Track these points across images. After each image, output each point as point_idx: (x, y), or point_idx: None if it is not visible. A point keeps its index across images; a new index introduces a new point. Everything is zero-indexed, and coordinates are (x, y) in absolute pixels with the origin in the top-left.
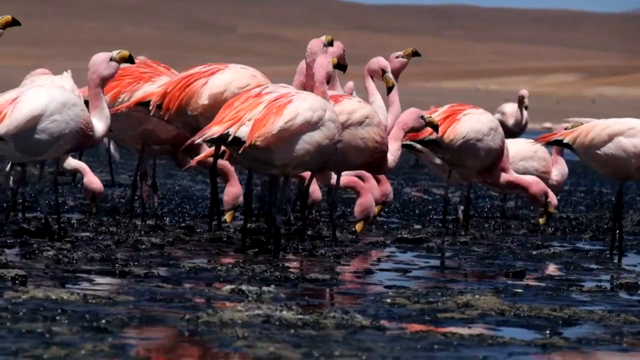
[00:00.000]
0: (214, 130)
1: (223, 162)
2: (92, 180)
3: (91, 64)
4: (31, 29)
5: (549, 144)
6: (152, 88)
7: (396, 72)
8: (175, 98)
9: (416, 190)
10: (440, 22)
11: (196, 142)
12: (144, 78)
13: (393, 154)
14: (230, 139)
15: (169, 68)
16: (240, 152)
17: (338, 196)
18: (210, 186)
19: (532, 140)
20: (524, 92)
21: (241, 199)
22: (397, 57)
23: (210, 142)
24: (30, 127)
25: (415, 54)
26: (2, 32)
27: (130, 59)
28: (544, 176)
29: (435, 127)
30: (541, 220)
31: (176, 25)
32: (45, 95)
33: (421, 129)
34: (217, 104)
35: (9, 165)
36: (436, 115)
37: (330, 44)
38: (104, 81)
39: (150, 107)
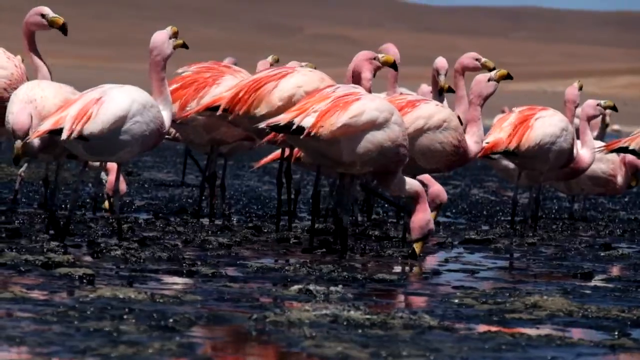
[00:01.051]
0: (280, 117)
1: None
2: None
3: (153, 45)
4: (100, 31)
5: (614, 151)
6: (219, 91)
7: (487, 97)
8: (244, 101)
9: (483, 191)
10: (507, 23)
11: (260, 127)
12: (207, 82)
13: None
14: (294, 127)
15: (229, 66)
16: (303, 141)
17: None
18: (277, 187)
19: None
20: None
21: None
22: (489, 80)
23: (273, 129)
24: (115, 128)
25: (509, 76)
26: (48, 28)
27: (184, 45)
28: (610, 179)
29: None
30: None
31: (243, 26)
32: (127, 97)
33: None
34: (286, 108)
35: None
36: (507, 123)
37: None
38: (165, 63)
39: (219, 112)
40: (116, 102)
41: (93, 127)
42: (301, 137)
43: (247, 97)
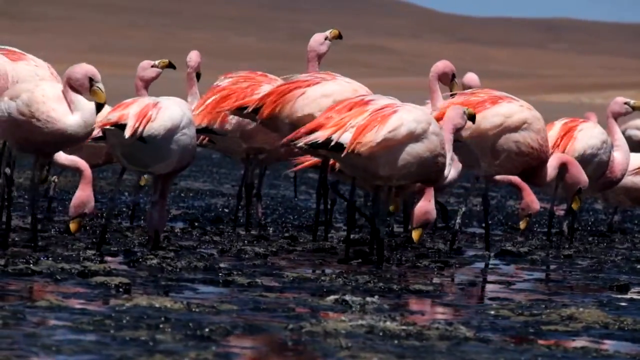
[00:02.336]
0: (318, 135)
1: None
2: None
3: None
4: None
5: None
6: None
7: (616, 115)
8: (271, 104)
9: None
10: (546, 35)
11: (299, 146)
12: (246, 93)
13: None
14: (332, 144)
15: (266, 75)
16: (342, 157)
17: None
18: (316, 197)
19: None
20: None
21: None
22: (625, 103)
23: (312, 147)
24: (169, 135)
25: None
26: (160, 71)
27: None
28: None
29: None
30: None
31: (281, 36)
32: (179, 108)
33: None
34: (310, 116)
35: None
36: (551, 133)
37: (336, 37)
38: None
39: (246, 112)
40: (172, 110)
41: (153, 129)
42: (342, 155)
43: (275, 100)
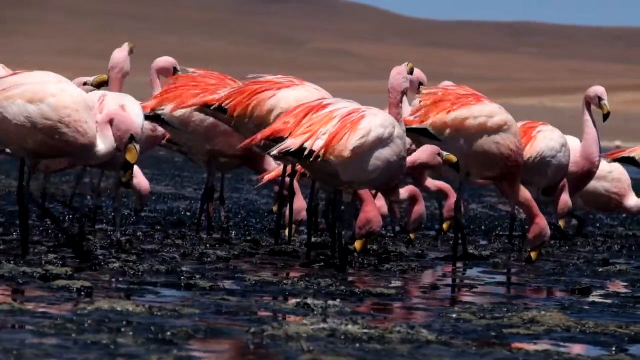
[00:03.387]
0: (289, 143)
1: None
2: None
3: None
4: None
5: (616, 161)
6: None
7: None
8: (240, 103)
9: (482, 206)
10: (513, 38)
11: (272, 154)
12: (209, 90)
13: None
14: (306, 152)
15: (236, 80)
16: (311, 164)
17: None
18: (278, 202)
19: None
20: None
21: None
22: None
23: (285, 154)
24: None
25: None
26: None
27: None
28: (615, 198)
29: (455, 166)
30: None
31: (249, 40)
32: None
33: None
34: (277, 118)
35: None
36: None
37: (411, 72)
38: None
39: (213, 108)
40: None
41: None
42: (312, 161)
43: (244, 99)
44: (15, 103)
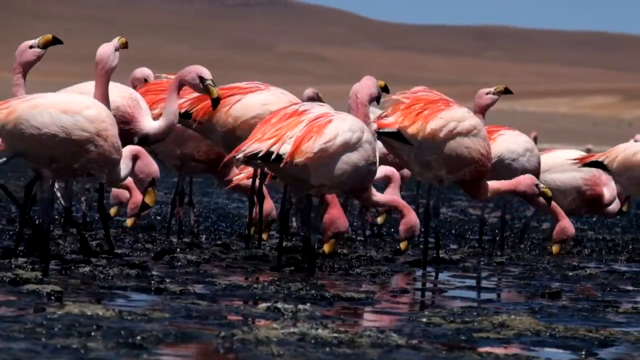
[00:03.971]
0: (255, 147)
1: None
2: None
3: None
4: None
5: (586, 165)
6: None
7: (484, 109)
8: (206, 108)
9: (452, 210)
10: (480, 42)
11: (237, 158)
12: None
13: None
14: (273, 157)
15: None
16: (279, 168)
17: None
18: (248, 205)
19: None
20: None
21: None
22: (487, 94)
23: (251, 159)
24: None
25: (507, 91)
26: (43, 51)
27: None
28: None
29: (548, 199)
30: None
31: (215, 44)
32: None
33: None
34: (245, 124)
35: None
36: None
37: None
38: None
39: (181, 111)
40: None
41: None
42: (280, 166)
43: (209, 104)
44: (47, 112)
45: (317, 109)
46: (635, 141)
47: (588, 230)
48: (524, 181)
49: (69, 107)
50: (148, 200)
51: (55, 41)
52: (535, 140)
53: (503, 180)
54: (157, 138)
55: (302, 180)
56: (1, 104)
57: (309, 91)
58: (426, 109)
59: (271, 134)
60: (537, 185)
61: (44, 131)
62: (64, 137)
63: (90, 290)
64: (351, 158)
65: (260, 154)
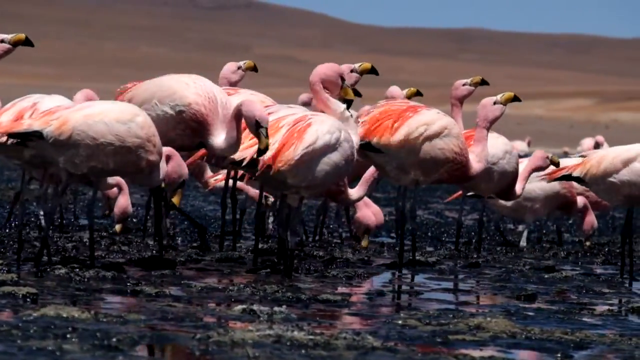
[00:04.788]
0: (239, 154)
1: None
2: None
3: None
4: (47, 49)
5: (557, 179)
6: None
7: (461, 99)
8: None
9: (428, 212)
10: (456, 45)
11: (224, 164)
12: None
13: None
14: (258, 164)
15: None
16: (259, 174)
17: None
18: (221, 208)
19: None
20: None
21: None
22: (463, 85)
23: (235, 165)
24: None
25: (484, 82)
26: (11, 48)
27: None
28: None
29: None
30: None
31: (192, 46)
32: None
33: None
34: None
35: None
36: None
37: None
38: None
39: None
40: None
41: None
42: (258, 173)
43: None
44: (103, 122)
45: (284, 110)
46: (598, 142)
47: (564, 232)
48: (537, 160)
49: (121, 116)
50: (176, 200)
51: (27, 42)
52: (528, 144)
53: (520, 171)
54: (222, 153)
55: (281, 181)
56: (46, 113)
57: (303, 96)
58: (396, 121)
59: (253, 142)
60: (547, 157)
61: (101, 141)
62: (118, 146)
63: (66, 293)
64: (332, 158)
65: (244, 163)
